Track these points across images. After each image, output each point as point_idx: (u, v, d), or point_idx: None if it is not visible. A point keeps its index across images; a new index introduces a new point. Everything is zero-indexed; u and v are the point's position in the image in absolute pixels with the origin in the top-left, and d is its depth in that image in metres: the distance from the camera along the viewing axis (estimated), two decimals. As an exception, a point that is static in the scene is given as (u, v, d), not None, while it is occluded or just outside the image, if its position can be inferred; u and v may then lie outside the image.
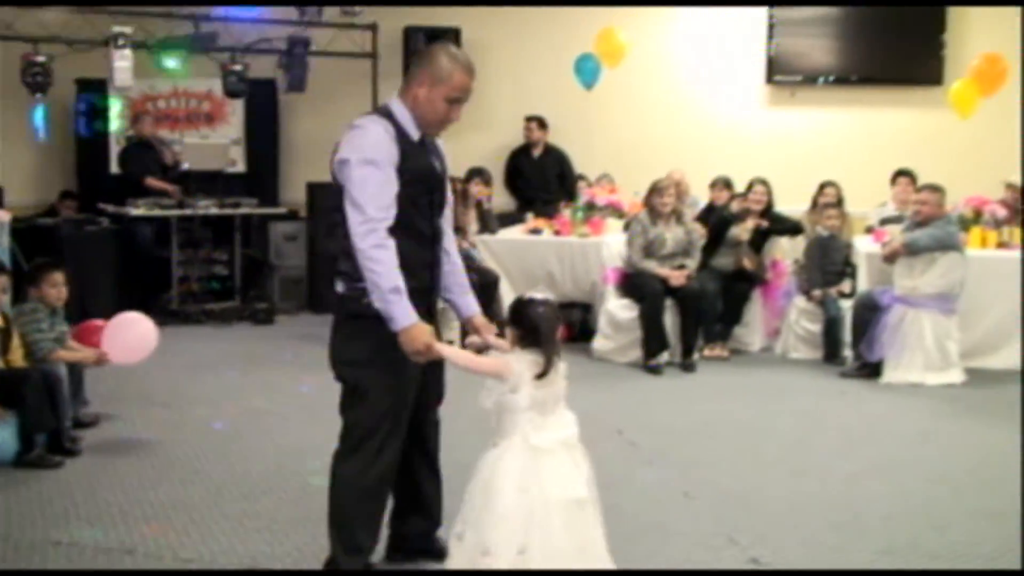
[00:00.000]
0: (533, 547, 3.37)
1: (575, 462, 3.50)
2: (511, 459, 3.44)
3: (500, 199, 10.83)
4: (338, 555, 3.73)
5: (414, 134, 3.58)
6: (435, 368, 3.78)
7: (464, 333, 3.72)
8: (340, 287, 3.58)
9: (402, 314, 3.39)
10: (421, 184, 3.59)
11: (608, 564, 3.57)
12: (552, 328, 3.54)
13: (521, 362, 3.47)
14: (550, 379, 3.48)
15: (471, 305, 3.87)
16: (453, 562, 3.52)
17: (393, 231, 3.44)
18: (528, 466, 3.42)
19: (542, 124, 10.99)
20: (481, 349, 3.73)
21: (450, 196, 3.86)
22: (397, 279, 3.39)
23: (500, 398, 3.48)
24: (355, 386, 3.62)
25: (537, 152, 11.05)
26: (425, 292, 3.66)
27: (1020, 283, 7.62)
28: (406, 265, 3.45)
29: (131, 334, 5.90)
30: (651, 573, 3.76)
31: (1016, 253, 8.05)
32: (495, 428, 3.54)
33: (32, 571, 3.92)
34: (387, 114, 3.58)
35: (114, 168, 10.79)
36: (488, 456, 3.51)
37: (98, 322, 6.19)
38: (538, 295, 3.59)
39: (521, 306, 3.57)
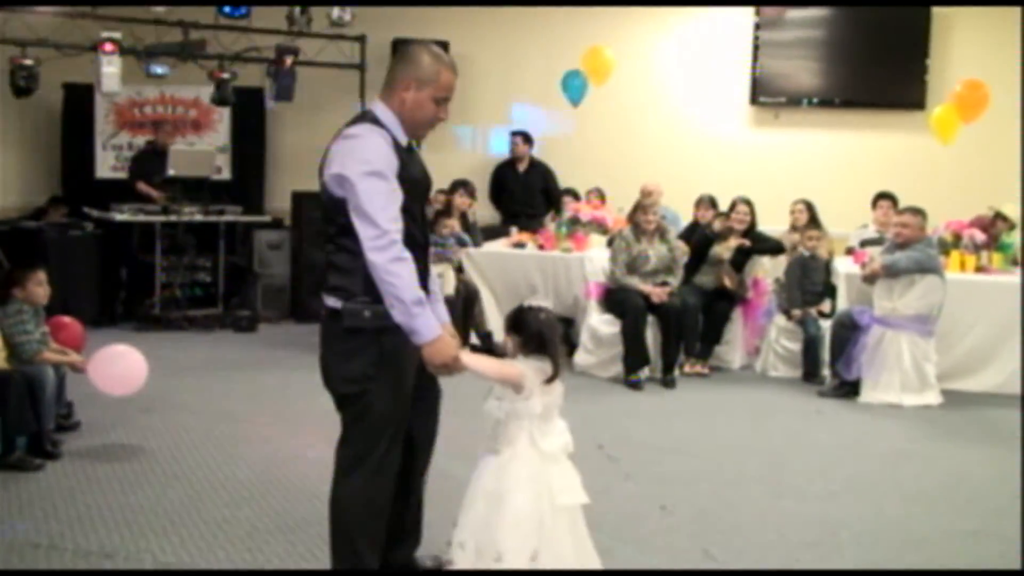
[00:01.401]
0: (543, 552, 3.42)
1: (572, 467, 3.57)
2: (521, 466, 3.47)
3: (485, 212, 10.88)
4: (338, 569, 3.66)
5: (403, 139, 3.50)
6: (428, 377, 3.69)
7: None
8: (335, 302, 3.46)
9: (427, 327, 3.32)
10: (415, 192, 3.53)
11: (599, 565, 3.64)
12: (556, 334, 3.57)
13: (529, 369, 3.49)
14: (552, 386, 3.52)
15: (442, 314, 3.78)
16: (456, 569, 3.52)
17: None
18: (537, 472, 3.46)
19: (527, 139, 11.04)
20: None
21: None
22: (419, 291, 3.31)
23: (512, 406, 3.49)
24: (357, 401, 3.50)
25: (522, 167, 11.10)
26: None
27: (1020, 306, 7.70)
28: None
29: (119, 368, 5.81)
30: (651, 573, 3.78)
31: (994, 277, 8.15)
32: (494, 435, 3.54)
33: (33, 571, 3.92)
34: (374, 120, 3.47)
35: (100, 172, 10.82)
36: (489, 463, 3.53)
37: (64, 319, 6.18)
38: (536, 302, 3.62)
39: (522, 314, 3.58)
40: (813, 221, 9.05)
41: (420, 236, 3.58)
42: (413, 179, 3.49)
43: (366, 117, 3.51)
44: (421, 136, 3.63)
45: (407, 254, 3.32)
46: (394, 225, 3.30)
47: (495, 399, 3.53)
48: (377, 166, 3.33)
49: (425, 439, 3.88)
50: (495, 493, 3.47)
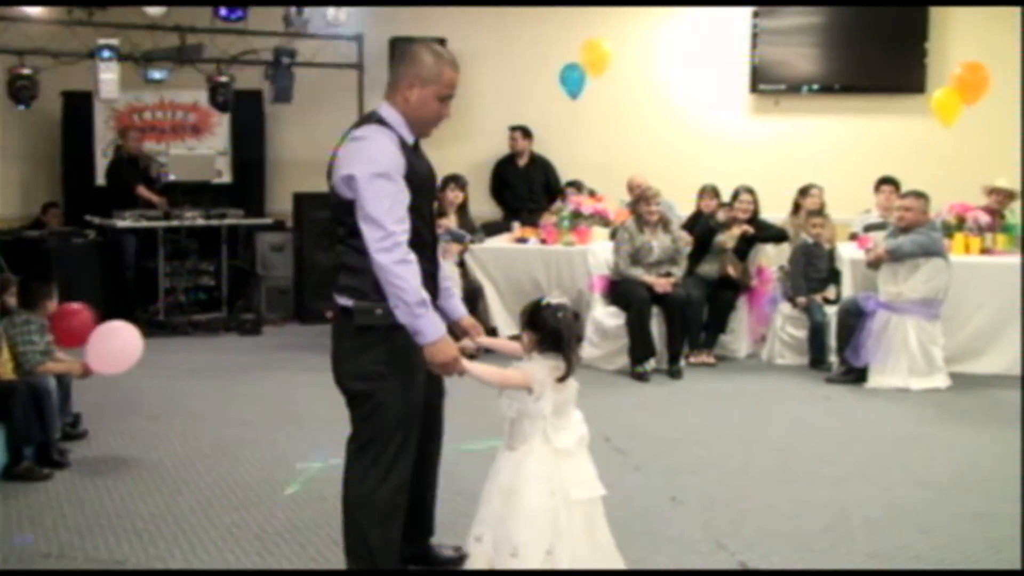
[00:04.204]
0: (558, 548, 3.47)
1: (589, 460, 3.62)
2: (535, 462, 3.52)
3: (486, 208, 10.86)
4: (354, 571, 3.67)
5: (409, 139, 3.54)
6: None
7: (455, 337, 3.70)
8: (346, 301, 3.51)
9: (430, 328, 3.37)
10: (423, 191, 3.56)
11: (620, 561, 3.70)
12: (572, 332, 3.60)
13: (543, 368, 3.53)
14: (566, 383, 3.56)
15: (458, 308, 3.88)
16: (473, 564, 3.57)
17: None
18: (552, 468, 3.51)
19: (526, 133, 11.02)
20: (474, 353, 3.74)
21: None
22: (423, 292, 3.35)
23: (523, 406, 3.53)
24: (369, 399, 3.52)
25: (522, 162, 11.07)
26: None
27: (1020, 288, 7.67)
28: None
29: (115, 344, 5.87)
30: (662, 573, 3.77)
31: (999, 259, 8.13)
32: (511, 433, 3.60)
33: (36, 571, 3.92)
34: (381, 121, 3.51)
35: (100, 180, 10.82)
36: (507, 459, 3.59)
37: (75, 305, 6.17)
38: (554, 300, 3.63)
39: (539, 311, 3.60)
40: (822, 207, 9.03)
41: (429, 235, 3.62)
42: (421, 178, 3.53)
43: (372, 118, 3.54)
44: (426, 134, 3.64)
45: (412, 256, 3.36)
46: (400, 227, 3.34)
47: (506, 399, 3.56)
48: (384, 167, 3.36)
49: (434, 434, 3.93)
50: (510, 489, 3.51)
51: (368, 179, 3.34)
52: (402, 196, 3.39)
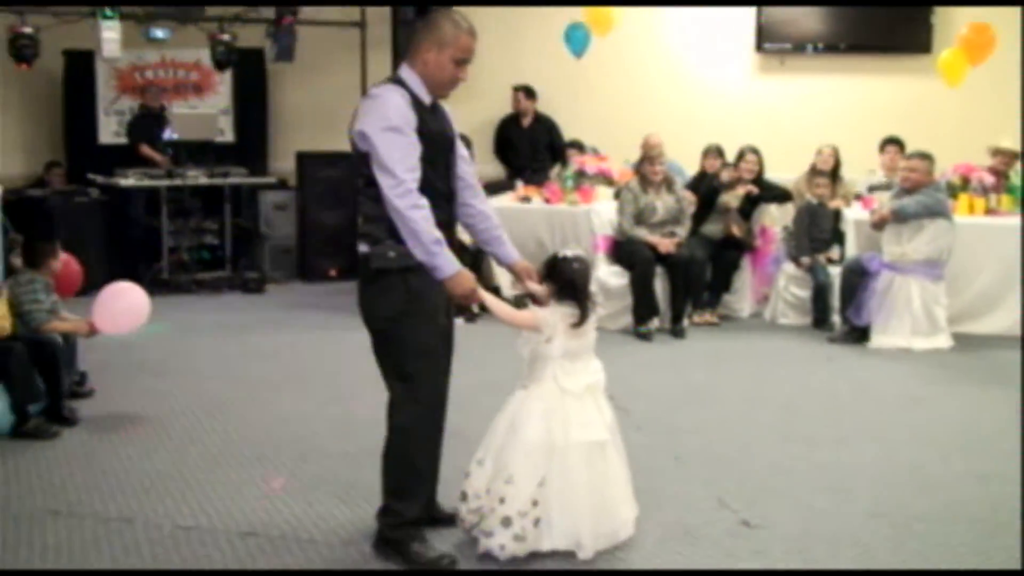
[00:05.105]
0: (552, 480, 3.76)
1: (599, 407, 3.89)
2: (539, 400, 3.81)
3: (489, 167, 10.84)
4: (393, 504, 3.88)
5: (426, 99, 3.79)
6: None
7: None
8: (364, 247, 3.77)
9: (446, 263, 3.64)
10: (436, 146, 3.79)
11: (629, 503, 4.00)
12: (586, 282, 3.91)
13: (555, 315, 3.81)
14: (583, 329, 3.85)
15: (511, 253, 4.10)
16: (472, 485, 3.85)
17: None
18: (555, 407, 3.79)
19: (529, 93, 10.97)
20: (521, 298, 4.09)
21: (465, 153, 4.06)
22: (436, 232, 3.63)
23: (535, 347, 3.84)
24: (391, 336, 3.78)
25: (526, 121, 11.04)
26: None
27: (1020, 249, 7.68)
28: None
29: (122, 304, 5.89)
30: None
31: (1003, 220, 8.12)
32: (527, 373, 3.89)
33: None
34: (399, 82, 3.78)
35: (102, 138, 10.81)
36: (517, 395, 3.88)
37: (65, 256, 6.17)
38: (570, 252, 3.90)
39: (556, 263, 3.88)
40: (837, 167, 8.98)
41: (444, 187, 3.88)
42: (432, 133, 3.77)
43: (391, 79, 3.85)
44: (443, 95, 3.90)
45: (424, 201, 3.63)
46: (410, 175, 3.62)
47: (522, 339, 3.88)
48: (395, 122, 3.64)
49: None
50: (513, 421, 3.82)
51: (379, 132, 3.63)
52: (412, 148, 3.66)
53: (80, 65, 10.83)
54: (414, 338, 3.75)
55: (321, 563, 3.89)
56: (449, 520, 4.06)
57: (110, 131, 11.01)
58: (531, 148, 10.97)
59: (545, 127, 11.04)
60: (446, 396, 3.98)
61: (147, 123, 10.24)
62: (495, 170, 11.00)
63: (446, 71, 3.79)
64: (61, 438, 5.35)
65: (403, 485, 3.86)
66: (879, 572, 3.62)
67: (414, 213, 3.59)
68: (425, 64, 3.78)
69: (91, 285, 6.80)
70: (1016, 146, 8.72)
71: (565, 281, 3.83)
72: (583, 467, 3.78)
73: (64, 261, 6.15)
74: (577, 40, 10.19)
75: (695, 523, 4.25)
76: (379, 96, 3.72)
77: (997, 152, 8.74)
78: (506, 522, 3.74)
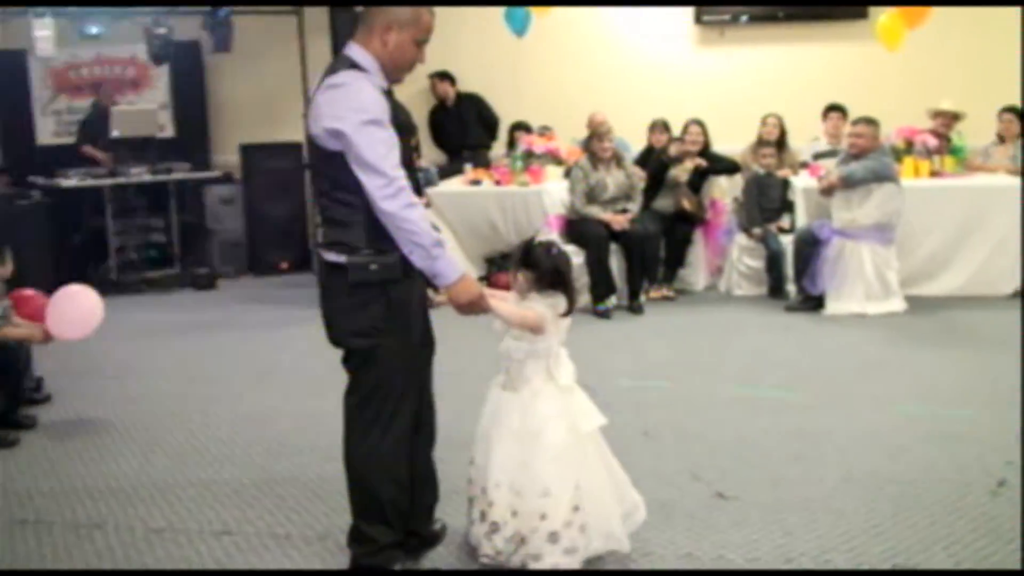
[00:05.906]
0: (584, 481, 3.52)
1: (584, 393, 3.66)
2: (547, 402, 3.53)
3: (432, 155, 10.78)
4: (363, 527, 3.56)
5: (383, 85, 3.39)
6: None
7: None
8: (336, 257, 3.35)
9: (449, 268, 3.28)
10: (402, 138, 3.38)
11: (627, 481, 3.76)
12: (570, 269, 3.64)
13: (544, 308, 3.52)
14: (564, 320, 3.58)
15: None
16: (496, 509, 3.53)
17: None
18: (564, 405, 3.55)
19: (444, 77, 10.82)
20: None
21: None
22: (435, 234, 3.26)
23: (531, 346, 3.53)
24: (368, 354, 3.41)
25: (451, 104, 10.93)
26: None
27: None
28: None
29: (74, 308, 5.77)
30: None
31: (949, 181, 8.24)
32: (513, 374, 3.58)
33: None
34: (356, 66, 3.34)
35: (41, 139, 10.63)
36: (510, 401, 3.57)
37: (28, 292, 6.06)
38: (544, 239, 3.65)
39: (535, 250, 3.58)
40: (782, 137, 9.07)
41: (412, 184, 3.44)
42: (400, 124, 3.39)
43: (345, 63, 3.37)
44: (399, 80, 3.51)
45: (416, 199, 3.28)
46: (398, 172, 3.22)
47: (513, 339, 3.56)
48: (373, 114, 3.23)
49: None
50: (526, 432, 3.51)
51: (358, 128, 3.20)
52: (393, 141, 3.26)
53: (14, 65, 10.62)
54: (392, 355, 3.40)
55: (299, 558, 3.85)
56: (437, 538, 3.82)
57: (49, 131, 10.83)
58: (461, 126, 10.81)
59: (470, 103, 10.87)
60: (428, 414, 3.71)
61: (103, 122, 10.02)
62: (437, 156, 10.91)
63: (407, 53, 3.39)
64: (21, 446, 5.24)
65: (370, 509, 3.52)
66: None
67: (410, 213, 3.20)
68: (385, 45, 3.35)
69: (40, 290, 6.65)
70: (957, 107, 8.85)
71: (547, 269, 3.53)
72: (597, 457, 3.62)
73: (28, 296, 5.99)
74: (517, 19, 10.13)
75: (671, 498, 4.26)
76: (347, 85, 3.26)
77: (937, 114, 8.88)
78: (553, 537, 3.48)
